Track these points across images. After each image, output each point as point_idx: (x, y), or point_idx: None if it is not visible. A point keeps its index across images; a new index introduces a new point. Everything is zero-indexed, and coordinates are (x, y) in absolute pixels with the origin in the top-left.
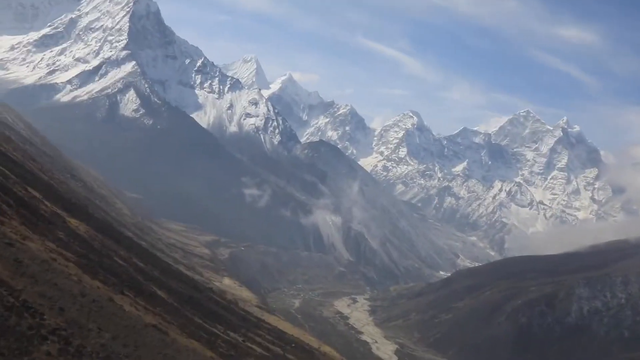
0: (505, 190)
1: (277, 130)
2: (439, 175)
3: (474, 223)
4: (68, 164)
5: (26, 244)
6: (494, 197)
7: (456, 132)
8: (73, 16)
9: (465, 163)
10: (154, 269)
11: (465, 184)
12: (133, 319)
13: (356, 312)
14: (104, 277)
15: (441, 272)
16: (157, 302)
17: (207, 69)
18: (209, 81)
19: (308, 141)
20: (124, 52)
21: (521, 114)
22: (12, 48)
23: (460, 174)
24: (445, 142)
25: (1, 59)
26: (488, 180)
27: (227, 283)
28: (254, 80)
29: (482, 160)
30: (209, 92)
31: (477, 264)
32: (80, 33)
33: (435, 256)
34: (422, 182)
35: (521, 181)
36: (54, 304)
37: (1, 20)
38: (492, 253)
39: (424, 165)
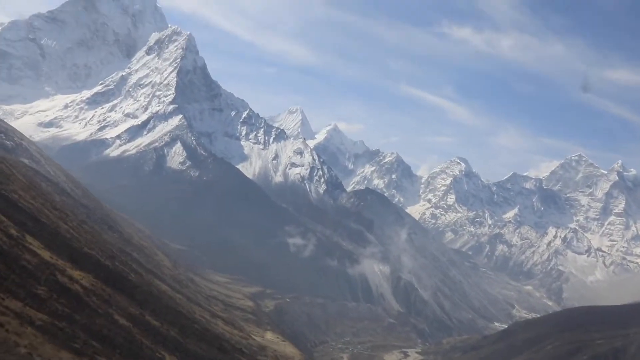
0: (560, 236)
1: (322, 179)
2: (490, 222)
3: (529, 271)
4: (108, 215)
5: None
6: (548, 244)
7: (505, 177)
8: (123, 74)
9: (516, 209)
10: (171, 328)
11: (517, 231)
12: None
13: None
14: (82, 345)
15: (496, 324)
16: None
17: (253, 120)
18: (255, 132)
19: (354, 190)
20: (172, 106)
21: (573, 158)
22: (66, 106)
23: (512, 221)
24: (494, 188)
25: (55, 117)
26: (541, 227)
27: (269, 337)
28: (299, 131)
29: (534, 206)
30: (255, 143)
31: (534, 315)
32: (130, 89)
33: (489, 306)
34: (472, 229)
35: (577, 227)
36: None
37: (56, 80)
38: (550, 303)
39: (474, 212)
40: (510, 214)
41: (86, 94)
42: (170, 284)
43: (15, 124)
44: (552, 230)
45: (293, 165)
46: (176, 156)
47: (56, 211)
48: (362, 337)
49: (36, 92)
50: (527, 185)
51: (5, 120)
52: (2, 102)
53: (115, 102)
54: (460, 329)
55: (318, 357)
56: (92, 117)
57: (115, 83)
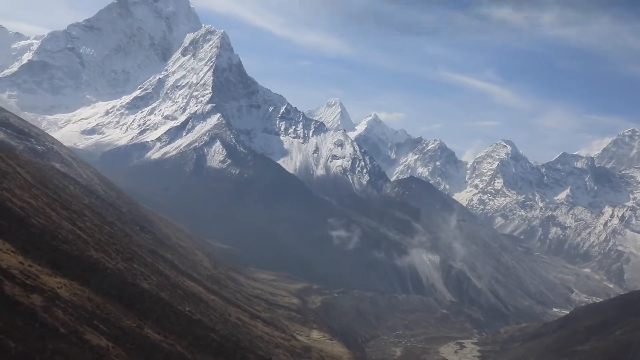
0: (618, 215)
1: (365, 170)
2: (541, 204)
3: (586, 253)
4: (144, 217)
5: None
6: (605, 224)
7: (555, 158)
8: (161, 77)
9: (568, 190)
10: (177, 341)
11: (570, 212)
12: None
13: (465, 359)
14: None
15: (555, 309)
16: None
17: (291, 115)
18: (293, 127)
19: (398, 179)
20: (209, 106)
21: (626, 133)
22: (107, 113)
23: (564, 202)
24: (543, 169)
25: (97, 124)
26: (596, 207)
27: (315, 336)
28: (339, 123)
29: (587, 185)
30: (294, 138)
31: (595, 299)
32: (168, 92)
33: (546, 292)
34: (523, 213)
35: (634, 205)
36: None
37: (96, 87)
38: (611, 285)
39: (523, 196)
40: (562, 195)
41: (126, 99)
42: (205, 284)
43: (59, 132)
44: (608, 210)
45: (334, 157)
46: (216, 155)
47: (65, 211)
48: (414, 330)
49: (78, 100)
50: (578, 164)
51: (49, 130)
52: (45, 112)
53: (154, 105)
54: (518, 317)
55: (370, 352)
56: (133, 121)
57: (153, 86)
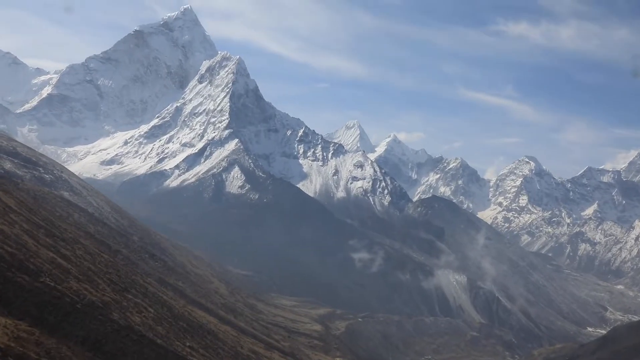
0: None
1: (386, 191)
2: (568, 220)
3: (618, 269)
4: (157, 244)
5: None
6: (636, 239)
7: (580, 173)
8: (178, 105)
9: (595, 205)
10: None
11: (599, 228)
12: None
13: None
14: None
15: (589, 329)
16: None
17: (309, 138)
18: (312, 149)
19: (420, 199)
20: (227, 132)
21: None
22: (126, 142)
23: (592, 217)
24: (569, 185)
25: (116, 154)
26: (625, 221)
27: None
28: (358, 145)
29: (615, 200)
30: (313, 161)
31: (632, 317)
32: (186, 119)
33: (579, 311)
34: (550, 230)
35: None
36: None
37: (115, 118)
38: None
39: (549, 212)
40: (589, 211)
41: (144, 128)
42: (218, 314)
43: (79, 164)
44: (638, 224)
45: (354, 179)
46: (235, 180)
47: (49, 239)
48: (443, 354)
49: (97, 131)
50: (605, 178)
51: (69, 162)
52: (65, 144)
53: (172, 133)
54: (551, 337)
55: None
56: (151, 150)
57: (170, 115)
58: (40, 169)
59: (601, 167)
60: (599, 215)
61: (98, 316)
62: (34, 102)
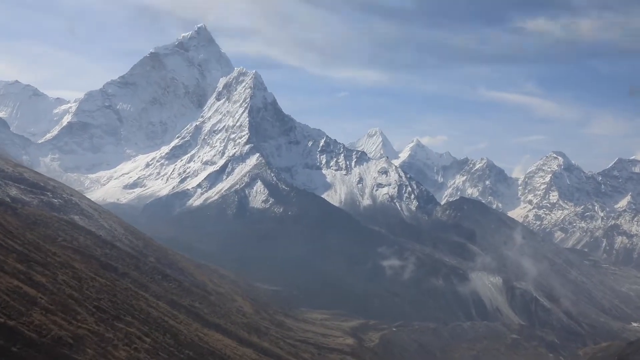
0: None
1: (412, 196)
2: (601, 214)
3: None
4: (175, 265)
5: None
6: None
7: (610, 165)
8: (197, 123)
9: (628, 197)
10: None
11: (635, 219)
12: None
13: None
14: None
15: (634, 324)
16: None
17: (331, 148)
18: (335, 159)
19: (448, 202)
20: (247, 147)
21: None
22: (147, 165)
23: (627, 209)
24: (600, 178)
25: (138, 177)
26: None
27: None
28: (381, 152)
29: None
30: (337, 170)
31: None
32: (206, 137)
33: (621, 306)
34: (584, 225)
35: None
36: None
37: (135, 142)
38: None
39: (582, 207)
40: (622, 203)
41: (164, 149)
42: (238, 335)
43: (102, 190)
44: None
45: (379, 185)
46: (258, 195)
47: (21, 264)
48: None
49: (118, 156)
50: (637, 169)
51: (92, 188)
52: (88, 171)
53: (192, 152)
54: (595, 336)
55: None
56: (173, 171)
57: (190, 134)
58: (49, 193)
59: (632, 158)
60: (634, 207)
61: (59, 355)
62: (54, 132)
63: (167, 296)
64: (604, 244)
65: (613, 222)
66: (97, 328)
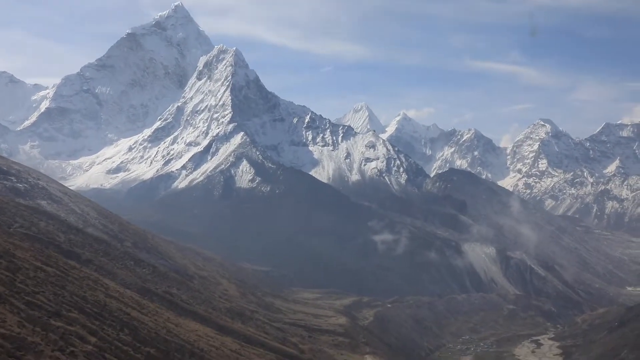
0: None
1: (401, 169)
2: (591, 180)
3: None
4: (154, 249)
5: None
6: None
7: (598, 130)
8: (179, 104)
9: (617, 161)
10: None
11: (625, 184)
12: None
13: (546, 359)
14: None
15: (628, 288)
16: None
17: (317, 123)
18: (321, 135)
19: (437, 173)
20: (231, 126)
21: None
22: (130, 149)
23: (616, 174)
24: (588, 144)
25: (121, 161)
26: None
27: None
28: (368, 127)
29: (637, 153)
30: (323, 146)
31: None
32: (188, 118)
33: (615, 271)
34: (574, 191)
35: None
36: None
37: (116, 125)
38: None
39: (571, 173)
40: (611, 168)
41: (147, 132)
42: (218, 323)
43: (85, 176)
44: None
45: (367, 160)
46: (244, 175)
47: None
48: (482, 333)
49: (100, 141)
50: (624, 133)
51: (75, 175)
52: (69, 157)
53: (175, 134)
54: (591, 302)
55: None
56: (156, 153)
57: (172, 115)
58: (13, 178)
59: (619, 122)
60: (622, 171)
61: None
62: (33, 118)
63: (138, 283)
64: (594, 210)
65: (603, 187)
66: (17, 331)
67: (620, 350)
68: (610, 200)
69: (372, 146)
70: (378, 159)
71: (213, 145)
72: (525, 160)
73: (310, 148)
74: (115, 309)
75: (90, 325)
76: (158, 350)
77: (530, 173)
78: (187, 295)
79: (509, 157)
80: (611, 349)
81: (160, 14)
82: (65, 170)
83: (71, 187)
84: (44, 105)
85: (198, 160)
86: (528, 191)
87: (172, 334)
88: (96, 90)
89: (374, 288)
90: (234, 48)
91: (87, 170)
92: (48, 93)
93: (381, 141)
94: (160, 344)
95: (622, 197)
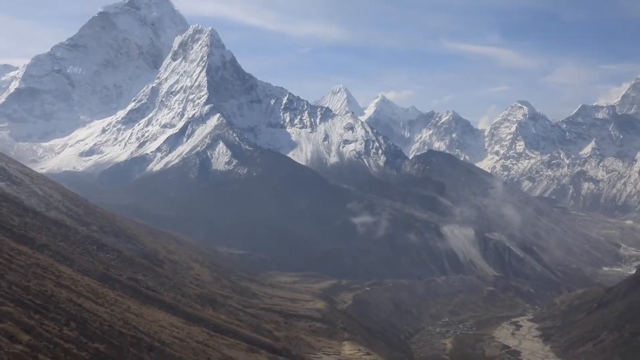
0: None
1: (380, 151)
2: (567, 161)
3: (624, 205)
4: (122, 232)
5: None
6: None
7: (574, 112)
8: (154, 85)
9: (593, 143)
10: None
11: (601, 165)
12: None
13: (526, 341)
14: None
15: (605, 268)
16: None
17: (295, 105)
18: (299, 117)
19: (416, 155)
20: (207, 107)
21: None
22: (103, 131)
23: (592, 155)
24: (564, 125)
25: (95, 144)
26: (625, 155)
27: (348, 351)
28: (346, 109)
29: (612, 135)
30: (301, 128)
31: None
32: (163, 99)
33: (592, 251)
34: (550, 173)
35: None
36: None
37: (89, 107)
38: None
39: (548, 155)
40: (587, 149)
41: (121, 114)
42: (185, 311)
43: (57, 158)
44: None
45: (346, 142)
46: (221, 157)
47: None
48: (461, 315)
49: (72, 122)
50: (600, 115)
51: (47, 157)
52: (41, 139)
53: (150, 115)
54: (569, 283)
55: (416, 350)
56: (130, 135)
57: (147, 96)
58: None
59: (595, 104)
60: (598, 153)
61: None
62: (2, 99)
63: (99, 270)
64: (570, 191)
65: (579, 168)
66: None
67: (600, 331)
68: (586, 182)
69: (351, 128)
70: (357, 141)
71: (189, 127)
72: (503, 142)
73: (288, 130)
74: (64, 300)
75: (26, 321)
76: (109, 346)
77: (507, 155)
78: (154, 282)
79: (486, 139)
80: (590, 330)
81: None
82: (36, 152)
83: (42, 170)
84: (14, 86)
85: (173, 142)
86: (505, 173)
87: (130, 325)
88: (68, 71)
89: (353, 271)
90: (210, 28)
91: (59, 153)
92: (18, 73)
93: (360, 123)
94: (114, 339)
95: (598, 179)
